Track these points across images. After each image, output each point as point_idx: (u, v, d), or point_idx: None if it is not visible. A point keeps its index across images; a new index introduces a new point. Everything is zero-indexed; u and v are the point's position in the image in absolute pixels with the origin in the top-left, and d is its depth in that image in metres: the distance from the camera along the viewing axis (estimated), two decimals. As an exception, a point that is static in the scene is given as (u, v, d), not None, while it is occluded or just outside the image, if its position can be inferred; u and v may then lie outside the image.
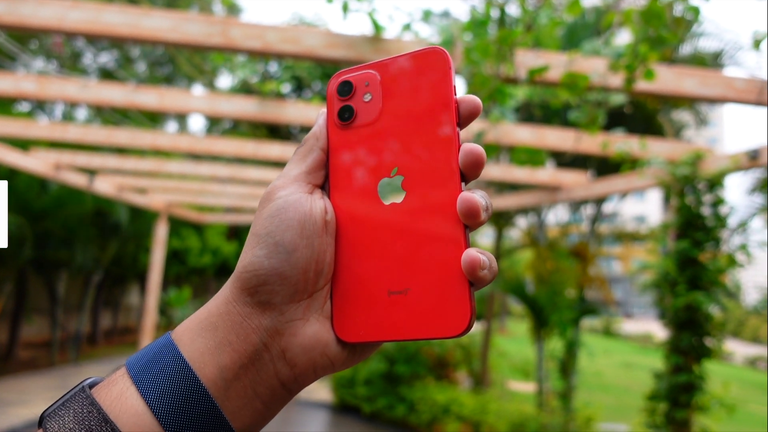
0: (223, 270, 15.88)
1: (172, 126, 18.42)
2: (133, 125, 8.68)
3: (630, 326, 26.77)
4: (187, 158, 7.45)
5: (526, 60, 2.30)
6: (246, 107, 3.58)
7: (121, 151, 8.26)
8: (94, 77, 15.39)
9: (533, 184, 5.28)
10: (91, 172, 6.63)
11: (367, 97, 0.45)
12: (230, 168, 5.93)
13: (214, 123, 17.07)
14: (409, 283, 0.41)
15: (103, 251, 9.60)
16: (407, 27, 2.33)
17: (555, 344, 6.60)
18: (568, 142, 3.72)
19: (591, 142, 3.81)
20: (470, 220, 0.39)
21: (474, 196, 0.39)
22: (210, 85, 11.65)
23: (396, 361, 6.47)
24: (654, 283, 3.91)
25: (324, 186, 0.45)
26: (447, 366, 6.99)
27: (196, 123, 22.79)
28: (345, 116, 0.45)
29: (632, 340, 21.85)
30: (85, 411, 0.36)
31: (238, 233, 16.56)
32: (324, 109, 0.47)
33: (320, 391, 8.06)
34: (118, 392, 0.37)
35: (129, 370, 0.38)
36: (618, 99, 2.35)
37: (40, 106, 13.76)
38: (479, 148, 0.41)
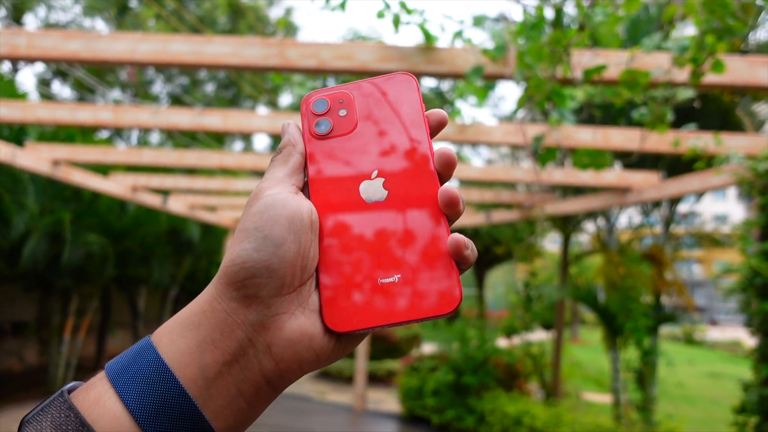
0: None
1: (237, 145, 19.16)
2: (202, 147, 9.11)
3: (715, 333, 25.08)
4: (253, 176, 7.71)
5: (583, 60, 2.22)
6: (305, 124, 3.68)
7: (191, 171, 8.67)
8: (165, 103, 16.26)
9: (600, 186, 5.08)
10: (165, 193, 7.01)
11: (343, 112, 0.50)
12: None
13: (277, 141, 17.59)
14: (398, 270, 0.44)
15: (178, 267, 10.08)
16: (459, 35, 2.32)
17: (631, 353, 6.28)
18: (635, 142, 3.56)
19: (660, 141, 3.62)
20: (450, 209, 0.45)
21: (453, 188, 0.45)
22: (272, 104, 12.04)
23: (463, 371, 6.37)
24: (739, 287, 3.64)
25: (303, 189, 0.47)
26: (517, 376, 6.80)
27: (261, 141, 23.62)
28: (322, 128, 0.49)
29: (719, 349, 20.46)
30: (62, 416, 0.36)
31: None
32: (291, 122, 0.50)
33: (388, 402, 8.06)
34: (96, 396, 0.37)
35: (107, 374, 0.38)
36: (686, 94, 2.23)
37: (117, 133, 14.71)
38: (450, 151, 0.46)
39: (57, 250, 6.91)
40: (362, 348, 7.57)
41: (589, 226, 8.96)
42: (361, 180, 0.47)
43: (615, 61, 2.22)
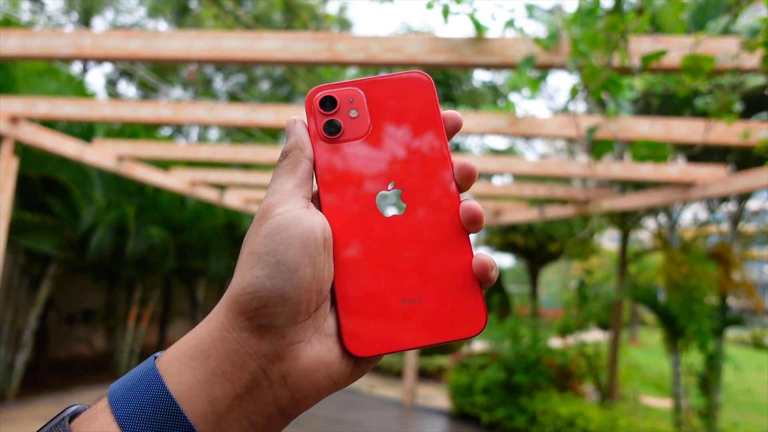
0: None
1: (292, 141, 19.47)
2: (256, 142, 9.32)
3: (789, 338, 23.52)
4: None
5: (642, 47, 2.12)
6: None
7: (246, 166, 8.91)
8: (223, 100, 16.76)
9: (661, 181, 4.86)
10: (222, 187, 7.23)
11: (354, 113, 0.45)
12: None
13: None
14: (421, 291, 0.42)
15: (234, 260, 10.40)
16: (510, 24, 2.26)
17: (694, 357, 5.99)
18: (699, 134, 3.37)
19: (728, 132, 3.42)
20: (473, 227, 0.43)
21: (476, 204, 0.42)
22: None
23: (515, 370, 6.25)
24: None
25: (313, 199, 0.44)
26: (571, 377, 6.62)
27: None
28: (331, 130, 0.45)
29: (792, 355, 19.19)
30: None
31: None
32: (297, 119, 0.46)
33: (438, 398, 8.03)
34: (98, 429, 0.35)
35: (111, 404, 0.36)
36: (756, 81, 2.08)
37: (178, 130, 15.29)
38: (472, 163, 0.44)
39: (122, 242, 7.26)
40: (412, 343, 7.55)
41: (650, 223, 8.59)
42: (377, 191, 0.44)
43: (677, 47, 2.11)
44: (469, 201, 0.43)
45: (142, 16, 18.03)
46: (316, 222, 0.40)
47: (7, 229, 3.70)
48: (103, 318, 8.94)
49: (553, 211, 6.93)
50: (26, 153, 5.17)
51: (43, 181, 6.35)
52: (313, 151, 0.44)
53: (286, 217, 0.39)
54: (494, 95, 12.06)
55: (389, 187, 0.44)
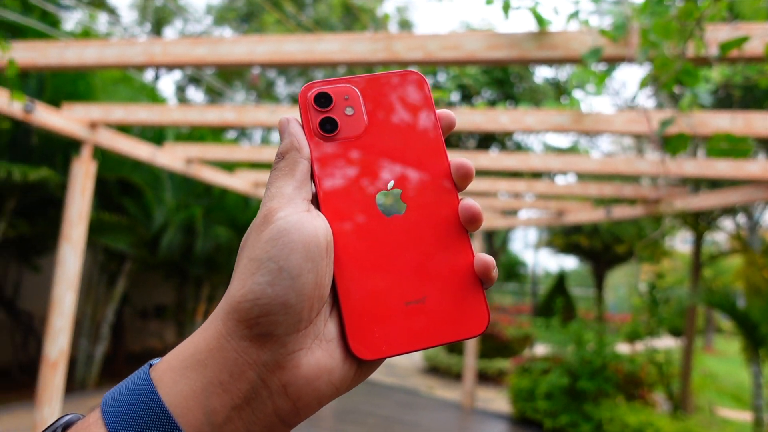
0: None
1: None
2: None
3: None
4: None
5: (719, 36, 1.98)
6: (413, 118, 3.68)
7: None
8: (286, 104, 17.17)
9: (740, 179, 4.55)
10: (283, 189, 7.38)
11: (349, 111, 0.44)
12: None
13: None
14: (425, 292, 0.42)
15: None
16: (574, 16, 2.17)
17: (777, 367, 5.57)
18: (785, 127, 3.12)
19: (818, 125, 3.15)
20: (472, 226, 0.43)
21: (475, 203, 0.42)
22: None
23: (579, 376, 6.04)
24: None
25: (312, 201, 0.42)
26: (640, 385, 6.32)
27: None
28: (327, 128, 0.44)
29: None
30: None
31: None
32: (291, 117, 0.44)
33: (498, 401, 7.88)
34: None
35: (103, 415, 0.35)
36: None
37: (243, 133, 15.80)
38: (469, 163, 0.44)
39: (191, 242, 7.58)
40: (471, 345, 7.46)
41: (727, 224, 8.07)
42: (376, 191, 0.43)
43: (759, 34, 1.96)
44: (468, 200, 0.43)
45: (209, 25, 18.77)
46: (319, 226, 0.39)
47: (87, 228, 3.94)
48: (174, 313, 9.36)
49: (621, 212, 6.65)
50: (104, 157, 5.49)
51: (119, 183, 6.73)
52: (309, 151, 0.43)
53: (287, 221, 0.38)
54: (557, 92, 11.72)
55: (388, 187, 0.43)
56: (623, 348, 7.70)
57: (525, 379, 6.79)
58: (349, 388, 0.40)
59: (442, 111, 0.46)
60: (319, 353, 0.38)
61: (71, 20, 8.44)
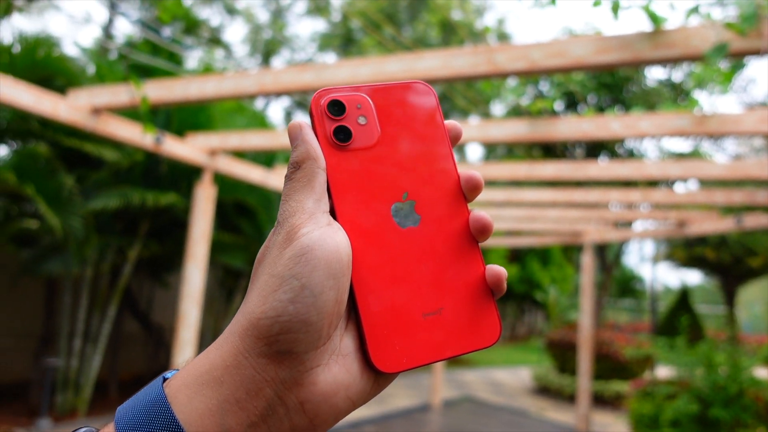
0: (506, 293, 16.01)
1: (452, 157, 19.66)
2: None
3: None
4: (466, 186, 7.83)
5: None
6: (517, 129, 3.59)
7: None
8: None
9: None
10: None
11: (362, 120, 0.44)
12: (506, 191, 5.99)
13: (491, 150, 17.63)
14: (441, 303, 0.42)
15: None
16: (694, 11, 2.01)
17: None
18: None
19: None
20: (482, 236, 0.44)
21: (485, 214, 0.43)
22: (484, 116, 12.11)
23: (710, 403, 5.47)
24: None
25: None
26: (785, 415, 5.60)
27: (474, 152, 23.94)
28: (341, 137, 0.43)
29: None
30: None
31: (519, 256, 16.58)
32: (303, 123, 0.43)
33: (616, 427, 7.36)
34: None
35: (118, 431, 0.35)
36: None
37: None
38: (478, 175, 0.45)
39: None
40: (585, 366, 7.05)
41: None
42: (391, 202, 0.43)
43: None
44: (478, 212, 0.44)
45: (313, 52, 19.75)
46: (340, 241, 0.39)
47: (209, 248, 4.26)
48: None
49: (755, 220, 5.99)
50: (222, 181, 5.92)
51: (235, 205, 7.21)
52: (324, 161, 0.42)
53: (310, 238, 0.37)
54: (674, 93, 10.90)
55: (403, 198, 0.43)
56: (762, 373, 6.88)
57: (647, 403, 6.27)
58: (364, 402, 0.39)
59: (449, 122, 0.47)
60: (336, 369, 0.37)
61: (193, 58, 9.27)
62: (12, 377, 7.38)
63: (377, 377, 0.40)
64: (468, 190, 0.44)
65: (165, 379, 0.37)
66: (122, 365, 8.01)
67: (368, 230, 0.42)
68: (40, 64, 5.21)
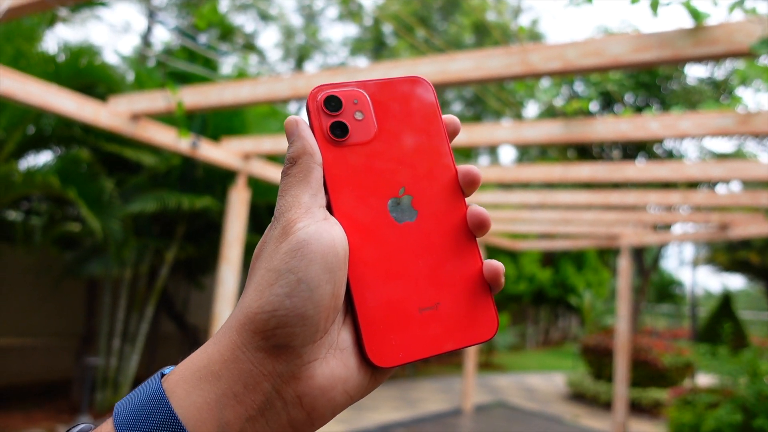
0: (540, 297, 15.78)
1: (483, 159, 19.51)
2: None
3: None
4: (498, 188, 7.74)
5: None
6: (551, 131, 3.53)
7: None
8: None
9: None
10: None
11: (359, 116, 0.44)
12: (540, 194, 5.90)
13: (524, 152, 17.42)
14: (437, 298, 0.42)
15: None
16: (738, 4, 1.94)
17: None
18: None
19: None
20: (480, 231, 0.44)
21: (482, 209, 0.43)
22: (517, 117, 11.97)
23: (755, 413, 5.26)
24: None
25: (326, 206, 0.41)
26: (837, 428, 5.34)
27: (507, 154, 23.65)
28: (337, 132, 0.43)
29: None
30: None
31: (552, 260, 16.30)
32: (299, 119, 0.43)
33: (655, 436, 7.14)
34: None
35: (115, 426, 0.35)
36: None
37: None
38: (476, 169, 0.44)
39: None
40: (622, 373, 6.87)
41: None
42: (388, 197, 0.43)
43: None
44: (475, 206, 0.44)
45: (345, 56, 19.89)
46: (336, 235, 0.39)
47: (243, 250, 4.32)
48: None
49: (803, 223, 5.74)
50: (256, 185, 6.00)
51: (268, 208, 7.30)
52: (321, 156, 0.42)
53: (306, 232, 0.37)
54: (715, 91, 10.55)
55: (400, 193, 0.43)
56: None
57: (687, 412, 6.08)
58: (362, 396, 0.40)
59: (447, 116, 0.46)
60: (334, 363, 0.37)
61: (228, 64, 9.45)
62: (56, 375, 7.64)
63: (374, 372, 0.40)
64: (466, 185, 0.44)
65: (163, 375, 0.38)
66: (159, 364, 8.20)
67: (365, 225, 0.42)
68: (82, 72, 5.39)
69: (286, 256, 0.37)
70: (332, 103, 0.44)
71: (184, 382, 0.36)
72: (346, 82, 0.45)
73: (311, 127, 0.43)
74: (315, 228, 0.38)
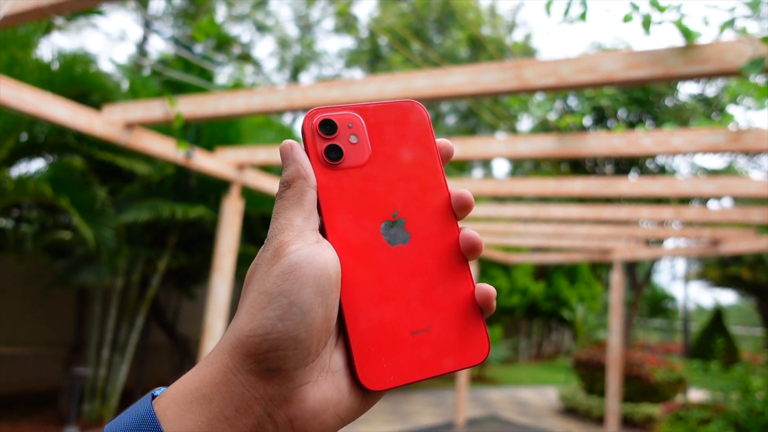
0: (532, 310, 15.78)
1: (477, 172, 19.59)
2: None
3: None
4: (492, 201, 7.78)
5: None
6: (544, 145, 3.55)
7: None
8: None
9: None
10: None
11: (353, 139, 0.44)
12: (533, 207, 5.92)
13: (517, 166, 17.51)
14: (430, 321, 0.42)
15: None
16: (729, 24, 1.97)
17: None
18: None
19: None
20: (472, 255, 0.44)
21: (474, 233, 0.43)
22: (511, 131, 12.05)
23: (747, 429, 5.26)
24: None
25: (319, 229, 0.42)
26: (828, 444, 5.34)
27: (501, 167, 23.76)
28: (332, 156, 0.43)
29: None
30: None
31: (545, 273, 16.33)
32: (294, 143, 0.43)
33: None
34: None
35: None
36: None
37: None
38: (468, 193, 0.45)
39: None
40: (615, 387, 6.86)
41: None
42: (381, 220, 0.43)
43: None
44: (468, 230, 0.44)
45: (341, 68, 19.99)
46: (329, 258, 0.39)
47: (236, 260, 4.30)
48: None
49: (793, 240, 5.79)
50: (249, 195, 5.99)
51: (262, 218, 7.29)
52: (315, 179, 0.42)
53: (299, 255, 0.37)
54: (707, 108, 10.67)
55: (393, 216, 0.44)
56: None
57: (679, 428, 6.07)
58: (353, 418, 0.39)
59: (440, 140, 0.47)
60: (326, 386, 0.37)
61: (223, 74, 9.47)
62: (44, 385, 7.53)
63: (365, 394, 0.40)
64: (458, 209, 0.45)
65: (154, 397, 0.37)
66: (148, 375, 8.11)
67: (358, 248, 0.42)
68: (77, 80, 5.38)
69: (278, 279, 0.37)
70: (327, 127, 0.44)
71: (175, 405, 0.35)
72: (342, 106, 0.46)
73: (306, 150, 0.43)
74: (307, 251, 0.38)
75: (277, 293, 0.36)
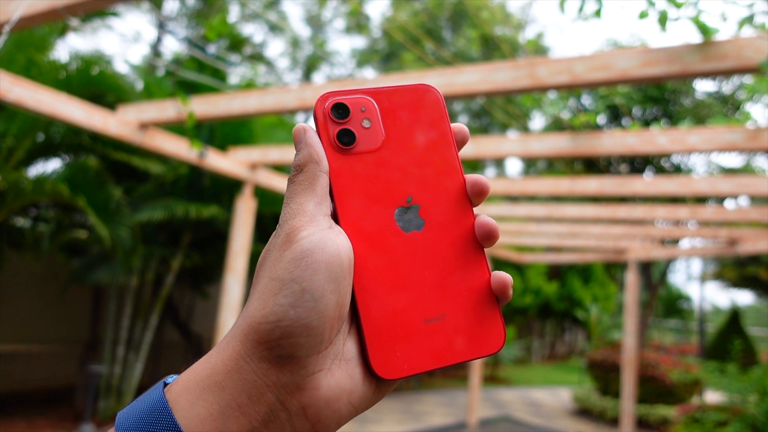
0: (546, 310, 15.67)
1: (490, 171, 19.52)
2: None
3: None
4: (505, 200, 7.73)
5: None
6: (558, 144, 3.52)
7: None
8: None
9: None
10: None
11: (366, 123, 0.43)
12: (547, 207, 5.87)
13: (530, 165, 17.41)
14: (444, 309, 0.41)
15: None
16: (748, 20, 1.93)
17: None
18: None
19: None
20: (488, 242, 0.43)
21: (491, 219, 0.42)
22: (523, 130, 11.97)
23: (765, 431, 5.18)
24: None
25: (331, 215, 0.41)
26: None
27: (513, 166, 23.66)
28: (345, 140, 0.42)
29: None
30: None
31: (559, 273, 16.21)
32: (307, 126, 0.42)
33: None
34: None
35: None
36: None
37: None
38: (483, 178, 0.43)
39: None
40: (629, 389, 6.79)
41: None
42: (395, 206, 0.42)
43: None
44: (483, 216, 0.43)
45: (353, 68, 20.02)
46: (341, 244, 0.38)
47: (248, 259, 4.32)
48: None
49: (813, 240, 5.69)
50: (262, 194, 6.01)
51: (274, 218, 7.31)
52: (328, 163, 0.41)
53: (311, 240, 0.37)
54: (723, 106, 10.51)
55: (407, 202, 0.43)
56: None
57: (695, 430, 6.00)
58: (367, 407, 0.39)
59: (455, 125, 0.46)
60: (339, 374, 0.37)
61: (236, 74, 9.53)
62: (60, 382, 7.63)
63: (379, 383, 0.39)
64: (474, 195, 0.44)
65: (166, 384, 0.37)
66: (163, 373, 8.18)
67: (371, 234, 0.41)
68: (92, 81, 5.44)
69: (289, 265, 0.36)
70: (340, 111, 0.43)
71: (187, 392, 0.35)
72: (354, 90, 0.44)
73: (318, 134, 0.42)
74: (319, 237, 0.37)
75: (289, 279, 0.36)
